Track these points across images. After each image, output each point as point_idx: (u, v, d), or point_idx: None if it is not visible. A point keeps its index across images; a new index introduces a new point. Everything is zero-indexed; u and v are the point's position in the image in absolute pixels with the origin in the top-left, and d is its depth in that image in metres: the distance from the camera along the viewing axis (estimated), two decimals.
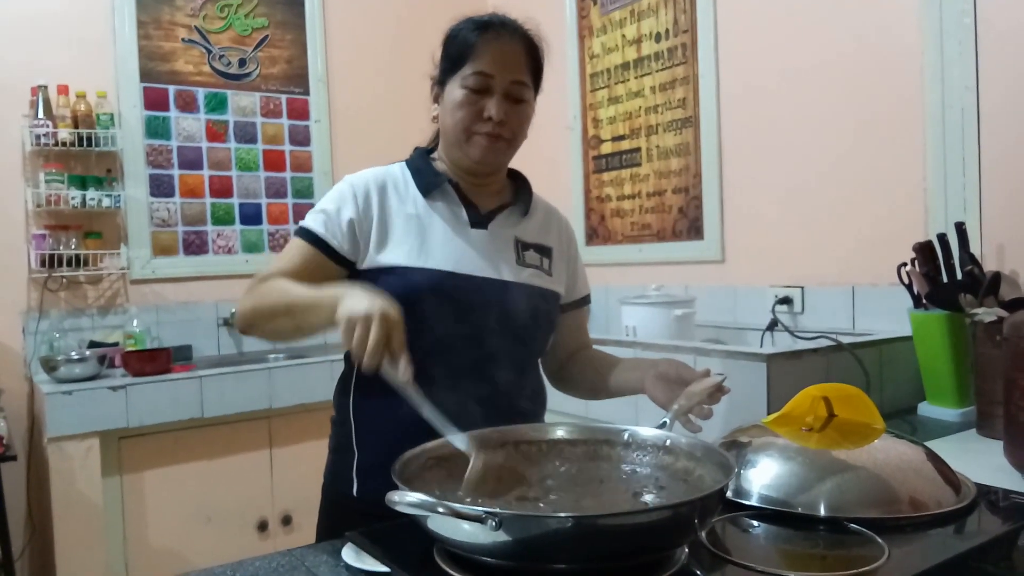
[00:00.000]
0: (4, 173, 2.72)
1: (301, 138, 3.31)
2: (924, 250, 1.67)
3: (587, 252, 2.95)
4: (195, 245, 3.08)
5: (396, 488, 0.74)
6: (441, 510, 0.69)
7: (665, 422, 1.01)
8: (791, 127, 2.26)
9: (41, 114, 2.66)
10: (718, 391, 1.08)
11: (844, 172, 2.12)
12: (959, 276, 1.64)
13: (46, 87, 2.69)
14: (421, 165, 1.26)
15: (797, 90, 2.24)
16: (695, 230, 2.60)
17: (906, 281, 1.72)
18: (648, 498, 0.86)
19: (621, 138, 2.89)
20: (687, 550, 0.78)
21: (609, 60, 2.93)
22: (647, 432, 0.97)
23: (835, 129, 2.14)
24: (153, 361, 2.52)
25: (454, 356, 1.14)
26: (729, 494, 0.92)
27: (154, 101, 2.99)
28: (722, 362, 1.60)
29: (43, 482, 2.49)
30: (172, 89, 3.03)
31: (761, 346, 2.20)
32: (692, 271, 2.61)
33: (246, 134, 3.18)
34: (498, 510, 0.68)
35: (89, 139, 2.74)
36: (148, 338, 2.85)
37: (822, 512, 0.88)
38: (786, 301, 2.26)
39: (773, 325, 2.22)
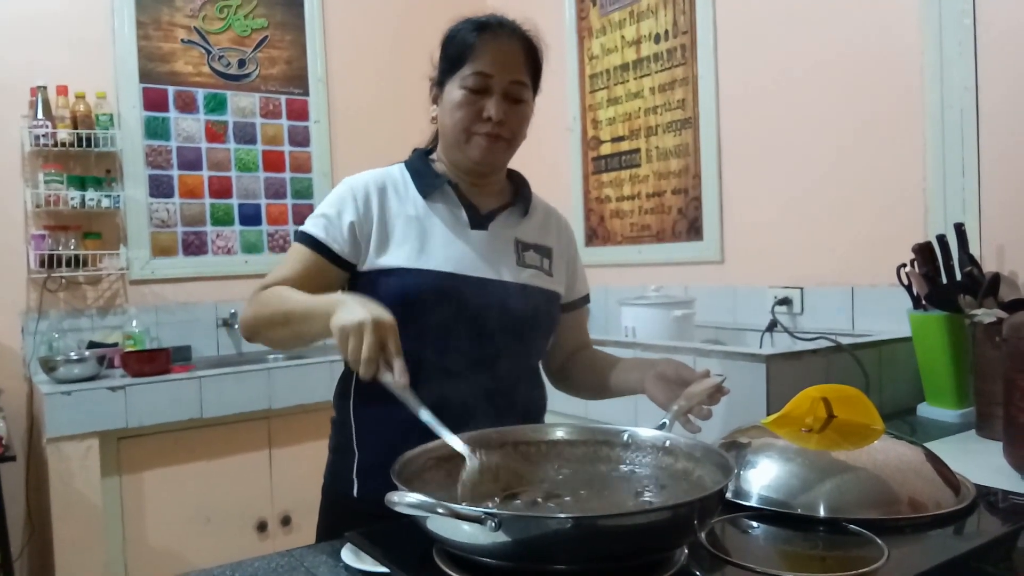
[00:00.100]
0: (3, 173, 2.72)
1: (300, 139, 3.31)
2: (923, 251, 1.67)
3: (587, 253, 2.95)
4: (194, 246, 3.08)
5: (396, 489, 0.74)
6: (440, 511, 0.68)
7: (664, 423, 1.01)
8: (790, 128, 2.26)
9: (40, 114, 2.66)
10: (718, 392, 1.08)
11: (843, 173, 2.12)
12: (958, 277, 1.64)
13: (45, 88, 2.69)
14: (420, 166, 1.26)
15: (796, 91, 2.24)
16: (694, 231, 2.60)
17: (905, 282, 1.72)
18: (647, 499, 0.86)
19: (620, 139, 2.89)
20: (687, 551, 0.78)
21: (608, 61, 2.93)
22: (647, 433, 0.97)
23: (834, 130, 2.14)
24: (152, 361, 2.52)
25: (454, 357, 1.14)
26: (728, 495, 0.92)
27: (153, 102, 2.99)
28: (721, 363, 1.60)
29: (42, 482, 2.49)
30: (171, 90, 3.03)
31: (760, 347, 2.20)
32: (691, 272, 2.61)
33: (245, 135, 3.18)
34: (497, 511, 0.68)
35: (88, 140, 2.74)
36: (147, 338, 2.85)
37: (822, 513, 0.88)
38: (785, 302, 2.26)
39: (772, 326, 2.23)
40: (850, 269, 2.11)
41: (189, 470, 2.52)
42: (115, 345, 2.78)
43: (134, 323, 2.86)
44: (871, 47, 2.03)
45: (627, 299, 2.22)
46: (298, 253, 1.19)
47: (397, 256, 1.18)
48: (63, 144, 2.70)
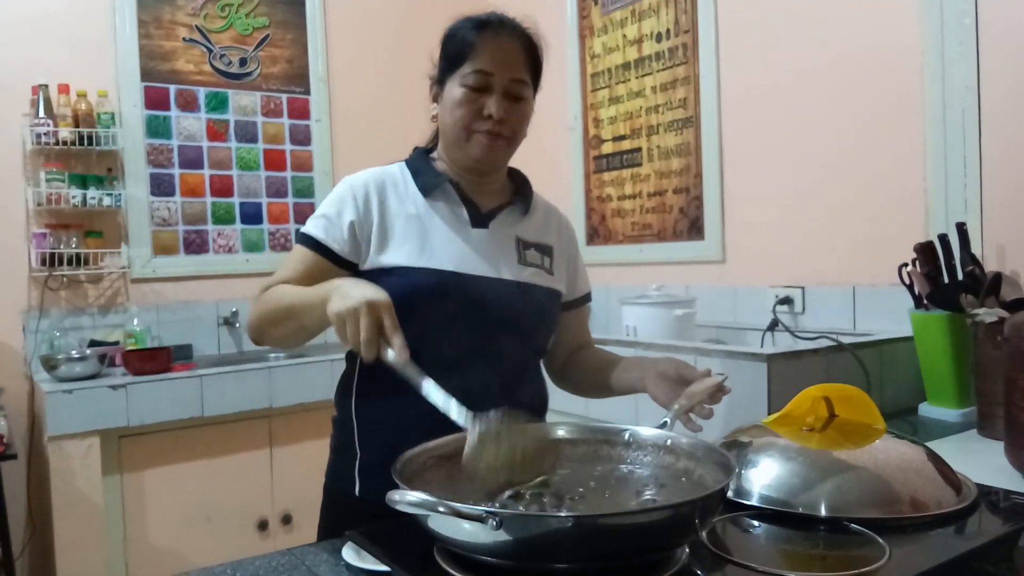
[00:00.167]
0: (5, 172, 2.72)
1: (302, 137, 3.31)
2: (925, 250, 1.66)
3: (588, 252, 2.94)
4: (195, 244, 3.08)
5: (397, 487, 0.74)
6: (442, 509, 0.68)
7: (666, 422, 1.01)
8: (792, 127, 2.26)
9: (42, 113, 2.66)
10: (719, 391, 1.08)
11: (845, 172, 2.12)
12: (960, 276, 1.64)
13: (47, 86, 2.69)
14: (421, 165, 1.26)
15: (798, 90, 2.24)
16: (696, 230, 2.60)
17: (907, 281, 1.72)
18: (649, 498, 0.86)
19: (622, 138, 2.89)
20: (688, 550, 0.78)
21: (610, 60, 2.92)
22: (648, 432, 0.97)
23: (836, 129, 2.14)
24: (153, 360, 2.52)
25: (455, 355, 1.14)
26: (730, 494, 0.92)
27: (155, 100, 2.99)
28: (723, 362, 1.60)
29: (43, 481, 2.50)
30: (173, 88, 3.03)
31: (762, 346, 2.20)
32: (693, 271, 2.60)
33: (247, 133, 3.18)
34: (499, 509, 0.68)
35: (90, 138, 2.74)
36: (148, 337, 2.85)
37: (823, 512, 0.88)
38: (787, 301, 2.26)
39: (774, 325, 2.22)
40: (851, 268, 2.11)
41: (190, 469, 2.52)
42: (116, 344, 2.78)
43: (135, 321, 2.86)
44: (872, 47, 2.03)
45: (628, 298, 2.22)
46: (299, 254, 1.20)
47: (398, 255, 1.18)
48: (64, 143, 2.70)
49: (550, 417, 1.32)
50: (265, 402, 2.60)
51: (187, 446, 2.51)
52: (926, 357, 1.66)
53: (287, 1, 3.27)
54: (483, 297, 1.17)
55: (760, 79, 2.34)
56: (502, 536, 0.67)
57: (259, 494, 2.64)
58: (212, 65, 3.11)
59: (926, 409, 1.66)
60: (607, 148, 2.96)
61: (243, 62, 3.17)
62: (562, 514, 0.73)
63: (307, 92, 3.32)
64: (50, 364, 2.46)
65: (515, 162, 1.29)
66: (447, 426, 0.92)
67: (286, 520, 2.68)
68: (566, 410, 1.70)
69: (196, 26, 3.07)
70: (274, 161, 3.25)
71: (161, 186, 3.00)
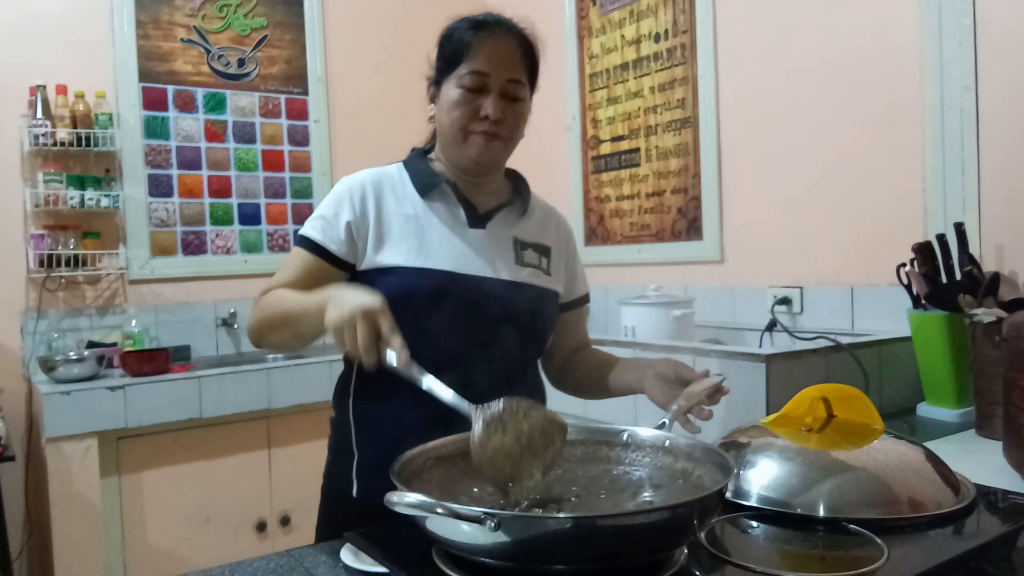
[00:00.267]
0: (2, 173, 2.72)
1: (300, 138, 3.31)
2: (923, 250, 1.67)
3: (586, 252, 2.95)
4: (194, 245, 3.08)
5: (395, 489, 0.74)
6: (440, 511, 0.68)
7: (664, 423, 1.01)
8: (790, 127, 2.26)
9: (40, 114, 2.66)
10: (717, 392, 1.08)
11: (843, 172, 2.12)
12: (958, 277, 1.64)
13: (45, 87, 2.69)
14: (418, 165, 1.26)
15: (796, 90, 2.24)
16: (694, 230, 2.60)
17: (905, 281, 1.72)
18: (647, 499, 0.86)
19: (620, 138, 2.89)
20: (686, 551, 0.78)
21: (608, 60, 2.92)
22: (646, 433, 0.97)
23: (834, 129, 2.14)
24: (151, 361, 2.52)
25: (452, 355, 1.14)
26: (728, 495, 0.92)
27: (153, 101, 2.99)
28: (721, 363, 1.60)
29: (41, 482, 2.49)
30: (171, 89, 3.03)
31: (760, 346, 2.20)
32: (691, 271, 2.60)
33: (245, 134, 3.18)
34: (497, 511, 0.68)
35: (88, 139, 2.74)
36: (147, 338, 2.85)
37: (821, 513, 0.88)
38: (785, 301, 2.26)
39: (772, 325, 2.22)
40: (850, 269, 2.11)
41: (188, 470, 2.52)
42: (114, 345, 2.78)
43: (133, 323, 2.86)
44: (870, 47, 2.03)
45: (627, 299, 2.22)
46: (297, 256, 1.20)
47: (395, 255, 1.18)
48: (62, 143, 2.69)
49: None
50: (263, 403, 2.60)
51: (185, 447, 2.51)
52: (924, 357, 1.66)
53: (285, 2, 3.27)
54: (480, 297, 1.17)
55: (758, 80, 2.35)
56: (500, 537, 0.67)
57: (257, 495, 2.64)
58: (210, 66, 3.11)
59: (924, 409, 1.66)
60: (605, 148, 2.96)
61: (241, 63, 3.17)
62: (560, 515, 0.73)
63: (305, 93, 3.31)
64: (48, 365, 2.45)
65: (513, 162, 1.29)
66: (444, 427, 0.92)
67: (284, 521, 2.68)
68: (564, 411, 1.69)
69: (194, 27, 3.07)
70: (272, 162, 3.24)
71: (159, 187, 3.00)
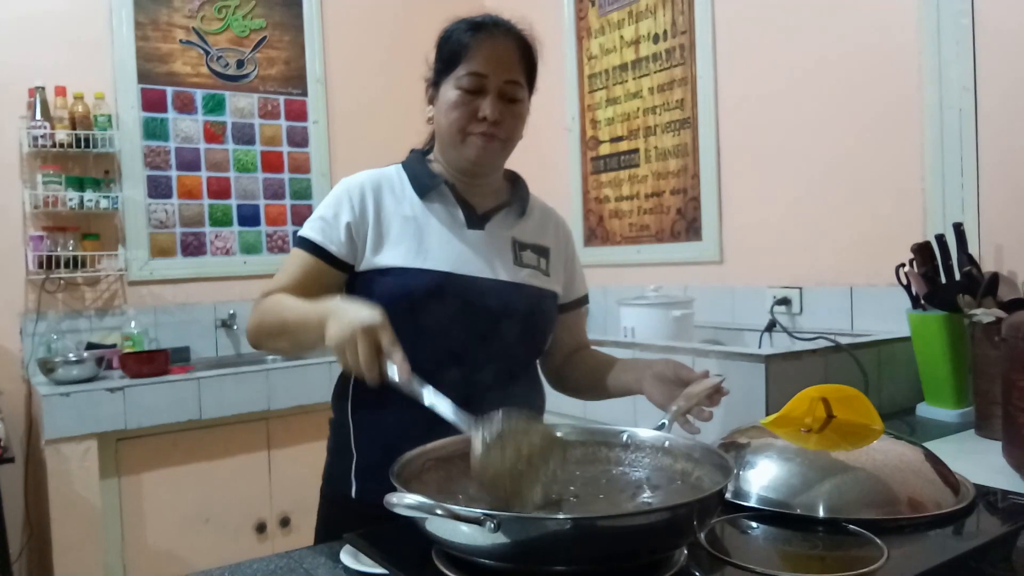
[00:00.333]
0: (1, 174, 2.71)
1: (299, 139, 3.31)
2: (922, 251, 1.67)
3: (585, 253, 2.95)
4: (193, 246, 3.08)
5: (395, 490, 0.74)
6: (439, 512, 0.68)
7: (664, 423, 1.01)
8: (789, 128, 2.26)
9: (39, 115, 2.66)
10: (717, 392, 1.08)
11: (842, 173, 2.12)
12: (957, 277, 1.64)
13: (44, 88, 2.69)
14: (417, 166, 1.26)
15: (795, 91, 2.24)
16: (693, 231, 2.60)
17: (904, 282, 1.72)
18: (646, 499, 0.86)
19: (619, 139, 2.89)
20: (686, 551, 0.78)
21: (607, 61, 2.93)
22: (646, 433, 0.97)
23: (833, 130, 2.14)
24: (151, 362, 2.52)
25: (451, 356, 1.14)
26: (728, 495, 0.92)
27: (152, 102, 2.99)
28: (720, 363, 1.60)
29: (41, 484, 2.49)
30: (170, 90, 3.02)
31: (760, 347, 2.20)
32: (690, 272, 2.61)
33: (244, 135, 3.18)
34: (496, 512, 0.68)
35: (87, 140, 2.74)
36: (146, 339, 2.85)
37: (821, 513, 0.88)
38: (784, 302, 2.26)
39: (772, 326, 2.22)
40: (849, 269, 2.11)
41: (188, 471, 2.52)
42: (113, 346, 2.78)
43: (132, 324, 2.86)
44: (869, 47, 2.03)
45: (626, 299, 2.22)
46: (297, 258, 1.20)
47: (394, 256, 1.18)
48: (61, 145, 2.69)
49: (547, 419, 1.32)
50: (263, 404, 2.60)
51: (185, 449, 2.51)
52: (924, 357, 1.66)
53: (284, 3, 3.27)
54: (479, 298, 1.17)
55: (757, 80, 2.35)
56: (500, 538, 0.67)
57: (257, 496, 2.64)
58: (209, 67, 3.11)
59: (924, 409, 1.66)
60: (604, 149, 2.97)
61: (240, 64, 3.17)
62: (560, 516, 0.73)
63: (304, 94, 3.31)
64: (47, 367, 2.45)
65: (512, 163, 1.29)
66: (443, 428, 0.92)
67: (284, 522, 2.68)
68: (564, 411, 1.70)
69: (193, 28, 3.06)
70: (271, 163, 3.24)
71: (158, 188, 3.00)
